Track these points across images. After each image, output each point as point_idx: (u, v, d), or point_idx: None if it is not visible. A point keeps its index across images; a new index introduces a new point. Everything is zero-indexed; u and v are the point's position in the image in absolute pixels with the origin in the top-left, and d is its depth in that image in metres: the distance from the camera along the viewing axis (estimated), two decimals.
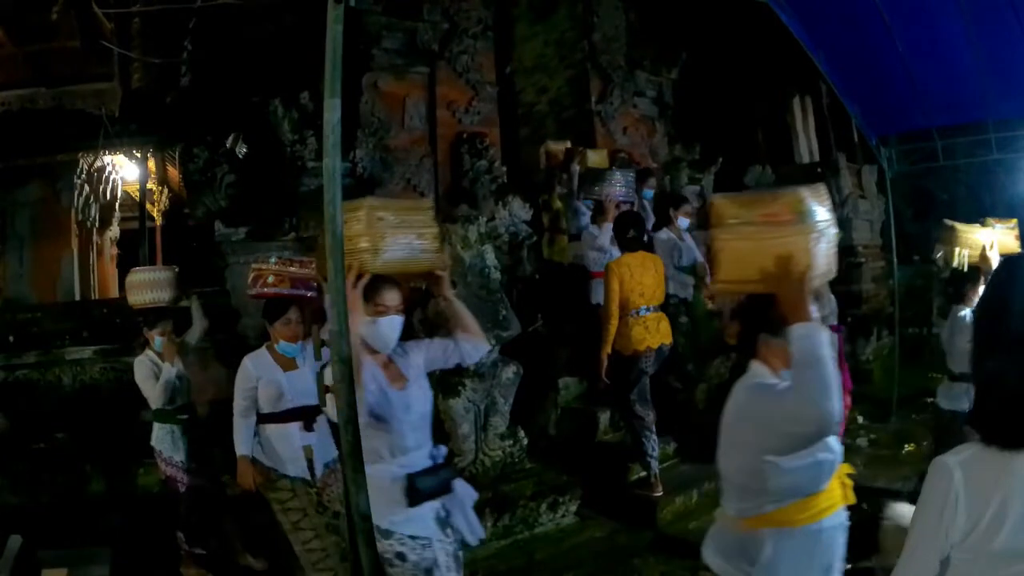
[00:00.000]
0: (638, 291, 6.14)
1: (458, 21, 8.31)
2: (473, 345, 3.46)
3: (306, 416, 4.64)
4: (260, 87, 7.46)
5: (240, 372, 4.65)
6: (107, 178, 12.08)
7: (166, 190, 13.42)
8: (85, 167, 11.13)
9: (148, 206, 12.66)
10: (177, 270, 6.12)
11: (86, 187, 11.38)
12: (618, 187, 7.57)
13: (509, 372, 6.22)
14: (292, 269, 4.55)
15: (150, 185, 12.43)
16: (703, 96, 11.53)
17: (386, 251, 3.02)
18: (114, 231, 13.29)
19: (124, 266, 13.91)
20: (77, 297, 10.75)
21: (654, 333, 6.18)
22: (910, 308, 11.04)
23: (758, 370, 2.61)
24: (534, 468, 6.34)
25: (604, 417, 7.19)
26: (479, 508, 5.54)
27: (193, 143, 7.44)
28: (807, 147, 13.53)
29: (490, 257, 6.34)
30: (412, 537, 3.11)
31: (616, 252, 6.75)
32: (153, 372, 5.51)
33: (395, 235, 3.06)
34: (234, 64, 7.89)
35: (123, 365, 7.23)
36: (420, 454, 3.21)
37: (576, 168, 8.08)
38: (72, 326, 7.41)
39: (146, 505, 6.40)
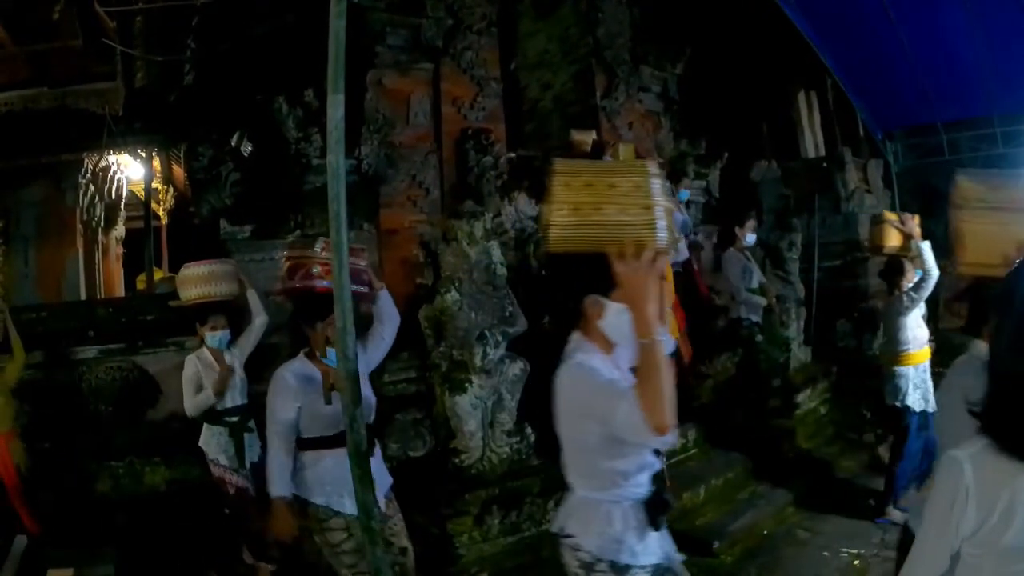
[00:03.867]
0: None
1: (462, 17, 8.29)
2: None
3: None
4: (264, 85, 7.45)
5: (277, 389, 3.84)
6: (112, 177, 12.10)
7: (171, 189, 13.44)
8: (90, 167, 11.15)
9: (153, 205, 12.66)
10: (234, 263, 5.92)
11: (91, 187, 11.40)
12: None
13: (516, 368, 6.21)
14: None
15: (155, 184, 12.44)
16: (708, 91, 11.48)
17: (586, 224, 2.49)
18: (119, 230, 13.30)
19: (129, 266, 13.97)
20: (83, 297, 10.75)
21: None
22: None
23: (979, 350, 2.71)
24: (541, 465, 6.32)
25: None
26: (486, 505, 5.58)
27: (197, 141, 7.44)
28: (813, 142, 13.45)
29: (496, 253, 6.34)
30: (656, 565, 2.67)
31: None
32: (196, 377, 5.37)
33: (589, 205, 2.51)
34: (238, 62, 7.88)
35: (129, 364, 7.24)
36: (651, 471, 2.74)
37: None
38: (78, 326, 7.40)
39: (153, 504, 6.41)
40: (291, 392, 3.79)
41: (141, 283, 13.32)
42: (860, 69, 8.19)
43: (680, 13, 10.62)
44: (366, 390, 3.79)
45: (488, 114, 8.48)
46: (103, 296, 11.70)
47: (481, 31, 8.47)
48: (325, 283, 3.75)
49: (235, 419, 5.41)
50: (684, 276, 7.61)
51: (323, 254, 3.85)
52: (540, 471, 6.21)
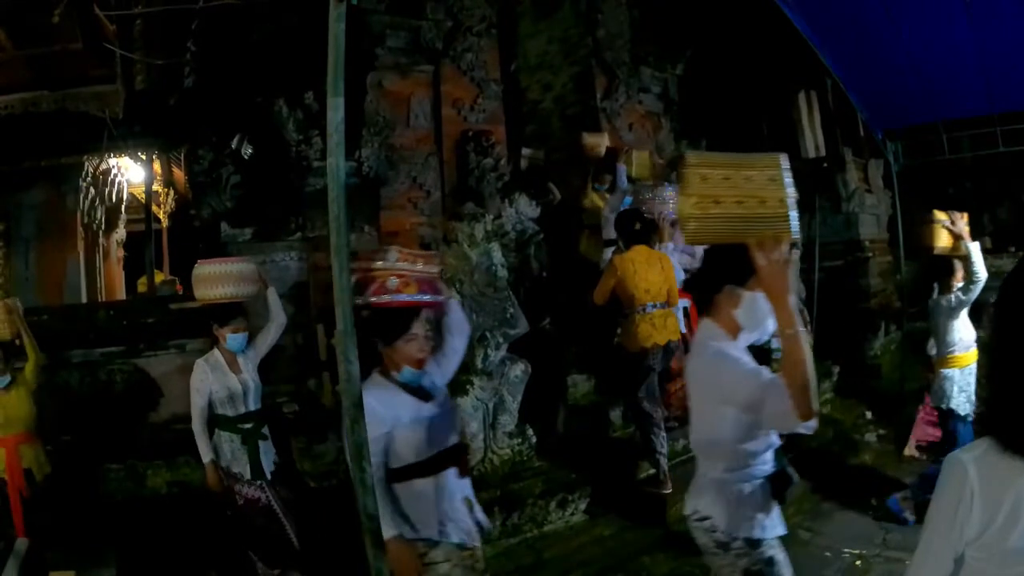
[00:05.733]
0: (643, 288, 6.13)
1: (462, 19, 8.30)
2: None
3: (459, 456, 3.55)
4: (264, 87, 7.46)
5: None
6: (112, 180, 12.09)
7: (172, 192, 13.46)
8: (90, 170, 11.14)
9: (154, 208, 12.67)
10: (254, 263, 5.58)
11: (91, 190, 11.39)
12: (671, 203, 6.96)
13: (517, 370, 6.22)
14: (419, 267, 3.57)
15: (156, 187, 12.45)
16: (708, 91, 11.49)
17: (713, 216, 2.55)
18: (120, 233, 13.30)
19: (130, 268, 13.97)
20: (83, 299, 10.75)
21: (661, 330, 6.17)
22: (917, 303, 11.01)
23: None
24: (543, 466, 6.33)
25: (615, 414, 7.16)
26: (487, 506, 5.57)
27: (198, 144, 7.45)
28: (813, 142, 13.43)
29: (497, 255, 6.34)
30: (777, 538, 2.86)
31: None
32: (205, 384, 5.06)
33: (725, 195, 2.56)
34: (238, 64, 7.88)
35: (130, 367, 7.24)
36: (775, 447, 2.88)
37: (623, 168, 7.99)
38: (79, 329, 7.41)
39: (154, 507, 6.41)
40: (379, 419, 3.22)
41: (142, 286, 13.32)
42: (860, 69, 8.17)
43: (680, 14, 10.62)
44: (448, 402, 3.62)
45: (488, 116, 8.49)
46: (104, 299, 11.69)
47: (481, 33, 8.48)
48: (403, 296, 3.43)
49: (248, 426, 5.16)
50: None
51: (399, 264, 3.50)
52: (541, 473, 6.22)
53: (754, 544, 2.75)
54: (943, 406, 6.23)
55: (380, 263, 3.48)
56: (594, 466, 6.50)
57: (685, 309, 6.96)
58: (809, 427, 2.43)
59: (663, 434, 6.19)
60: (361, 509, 2.76)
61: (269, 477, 5.16)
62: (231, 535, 5.38)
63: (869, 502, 6.42)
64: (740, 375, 2.58)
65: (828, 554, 5.69)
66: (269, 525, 5.10)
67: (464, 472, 3.52)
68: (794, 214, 2.49)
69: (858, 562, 5.51)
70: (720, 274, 2.78)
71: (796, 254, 2.59)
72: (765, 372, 2.56)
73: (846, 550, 5.71)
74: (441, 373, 3.66)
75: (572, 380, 7.49)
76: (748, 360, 2.64)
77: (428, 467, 3.35)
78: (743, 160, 2.66)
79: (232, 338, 5.16)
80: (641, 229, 6.36)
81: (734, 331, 2.77)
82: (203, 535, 5.63)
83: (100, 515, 6.20)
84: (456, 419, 3.64)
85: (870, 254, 11.76)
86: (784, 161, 2.60)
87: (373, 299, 3.41)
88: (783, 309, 2.41)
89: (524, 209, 7.68)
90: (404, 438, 3.33)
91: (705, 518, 2.83)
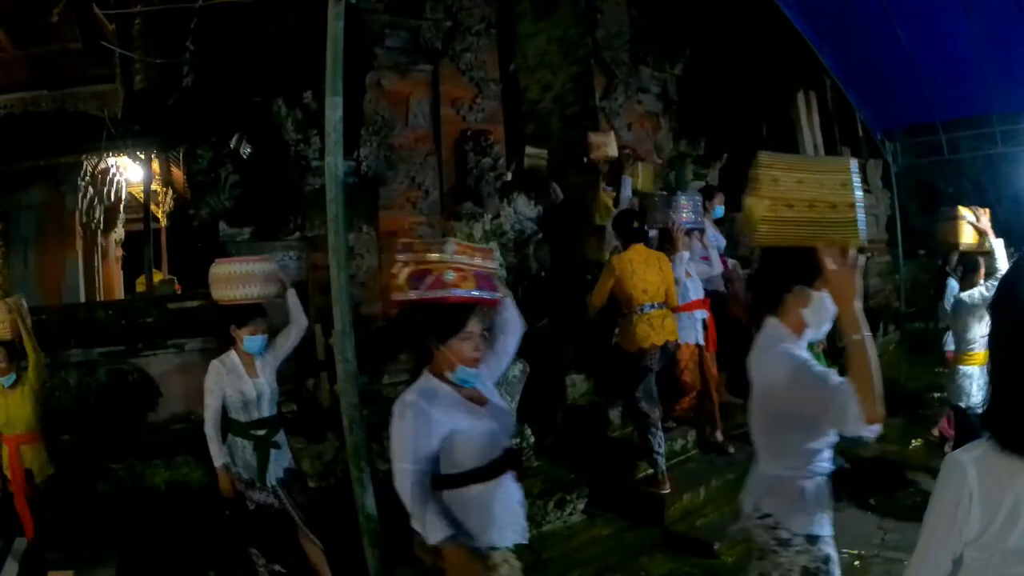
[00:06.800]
0: (641, 288, 6.12)
1: (461, 19, 8.29)
2: None
3: (516, 459, 3.40)
4: (263, 87, 7.45)
5: (412, 425, 3.03)
6: (111, 180, 12.11)
7: (170, 191, 13.45)
8: (89, 169, 11.15)
9: (153, 207, 12.67)
10: (275, 261, 5.27)
11: (90, 189, 11.41)
12: (684, 212, 6.92)
13: (516, 370, 6.22)
14: (477, 261, 3.31)
15: (154, 186, 12.45)
16: (707, 91, 11.49)
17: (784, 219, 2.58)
18: (119, 233, 13.32)
19: (129, 268, 13.98)
20: (82, 299, 10.76)
21: (659, 330, 6.16)
22: (916, 302, 11.02)
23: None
24: (541, 466, 6.33)
25: (614, 414, 7.16)
26: None
27: (197, 144, 7.44)
28: (812, 142, 13.47)
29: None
30: (831, 536, 2.86)
31: (688, 282, 6.74)
32: (219, 386, 4.89)
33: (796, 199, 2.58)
34: (237, 64, 7.87)
35: (129, 367, 7.24)
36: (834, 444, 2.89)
37: (628, 180, 7.97)
38: (77, 328, 7.40)
39: (153, 506, 6.41)
40: (432, 425, 3.00)
41: (140, 285, 13.34)
42: (859, 69, 8.19)
43: (679, 14, 10.62)
44: (503, 404, 3.40)
45: (487, 115, 8.48)
46: (102, 298, 11.71)
47: (480, 32, 8.47)
48: (460, 292, 3.15)
49: (261, 432, 4.95)
50: (719, 296, 7.57)
51: (457, 257, 3.20)
52: (540, 472, 6.22)
53: (813, 541, 2.77)
54: (962, 404, 6.16)
55: (436, 255, 3.20)
56: (592, 466, 6.50)
57: (703, 320, 6.95)
58: (874, 431, 2.43)
59: (661, 434, 6.18)
60: (359, 509, 2.76)
61: (275, 484, 4.96)
62: (234, 534, 5.33)
63: (867, 502, 6.42)
64: (810, 377, 2.60)
65: None
66: (281, 530, 4.96)
67: (521, 476, 3.31)
68: (862, 218, 2.53)
69: (856, 562, 5.51)
70: (790, 274, 2.81)
71: (863, 259, 2.59)
72: (833, 375, 2.56)
73: (844, 550, 5.67)
74: (490, 374, 3.45)
75: (571, 380, 7.49)
76: (815, 362, 2.67)
77: (488, 472, 3.12)
78: (815, 163, 2.72)
79: (250, 340, 4.93)
80: (639, 228, 6.35)
81: (800, 330, 2.81)
82: (202, 534, 5.63)
83: (99, 514, 6.19)
84: (512, 422, 3.45)
85: (869, 254, 11.77)
86: (854, 165, 2.63)
87: (425, 293, 3.15)
88: (850, 313, 2.43)
89: (522, 209, 7.68)
90: (463, 443, 3.07)
91: (767, 515, 2.84)
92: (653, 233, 6.93)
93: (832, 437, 2.80)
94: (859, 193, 2.56)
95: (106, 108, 9.00)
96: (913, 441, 7.80)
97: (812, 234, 2.53)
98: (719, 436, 7.07)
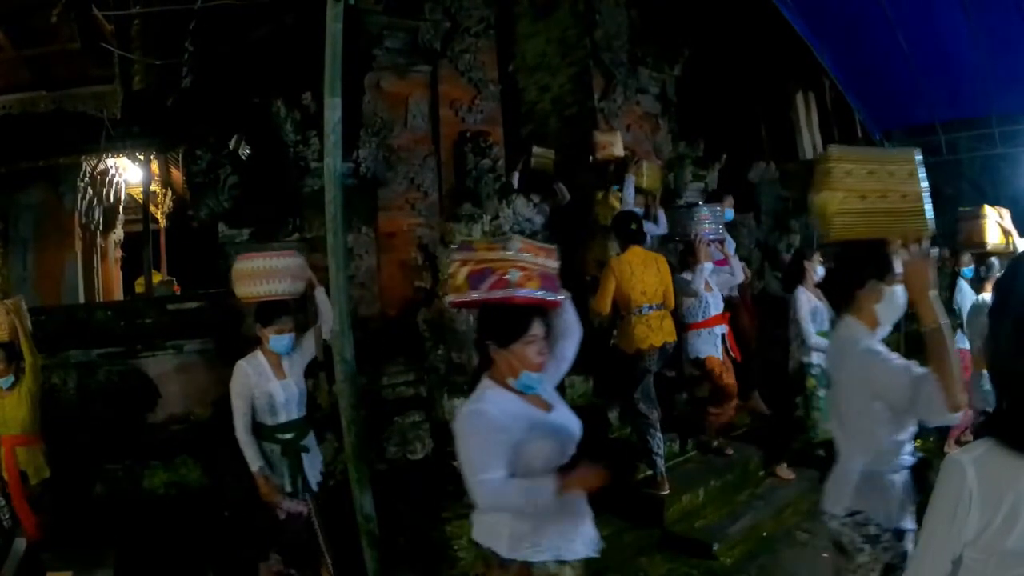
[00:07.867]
0: (640, 289, 6.12)
1: (460, 20, 8.28)
2: None
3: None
4: (262, 88, 7.45)
5: (484, 433, 2.83)
6: (110, 181, 12.11)
7: (169, 192, 13.46)
8: (88, 170, 11.16)
9: (152, 208, 12.68)
10: (302, 257, 4.86)
11: (89, 190, 11.41)
12: (707, 223, 6.91)
13: None
14: (541, 259, 3.09)
15: (153, 187, 12.46)
16: (706, 92, 11.50)
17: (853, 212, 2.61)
18: (118, 234, 13.32)
19: (128, 269, 13.99)
20: (81, 300, 10.75)
21: (657, 331, 6.17)
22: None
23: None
24: None
25: (613, 415, 7.16)
26: None
27: (196, 145, 7.43)
28: (811, 142, 13.49)
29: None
30: (912, 531, 2.80)
31: (708, 296, 6.75)
32: (247, 389, 4.68)
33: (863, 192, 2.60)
34: (236, 65, 7.87)
35: (128, 368, 7.23)
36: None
37: (631, 179, 7.95)
38: (76, 329, 7.39)
39: (151, 507, 6.40)
40: (503, 430, 2.83)
41: (139, 286, 13.36)
42: (858, 70, 8.19)
43: (678, 15, 10.62)
44: (568, 410, 3.26)
45: (486, 116, 8.47)
46: (101, 299, 11.71)
47: (479, 33, 8.46)
48: (525, 292, 2.92)
49: (289, 436, 4.78)
50: (735, 305, 7.57)
51: (522, 255, 2.99)
52: None
53: (901, 536, 2.78)
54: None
55: (500, 253, 3.00)
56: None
57: (723, 336, 6.93)
58: (956, 418, 2.53)
59: (660, 435, 6.18)
60: (358, 509, 2.76)
61: (316, 491, 4.83)
62: (242, 536, 5.26)
63: None
64: (893, 371, 2.65)
65: (826, 555, 5.65)
66: (305, 540, 4.80)
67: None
68: (929, 207, 2.58)
69: None
70: (864, 270, 2.84)
71: (936, 251, 2.61)
72: (915, 366, 2.62)
73: None
74: (551, 380, 3.27)
75: (569, 381, 7.47)
76: (896, 356, 2.71)
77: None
78: (882, 154, 2.76)
79: (276, 339, 4.71)
80: (637, 230, 6.36)
81: (874, 325, 2.86)
82: (201, 535, 5.63)
83: (97, 515, 6.19)
84: (578, 428, 3.24)
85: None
86: (919, 155, 2.67)
87: (487, 294, 2.96)
88: (926, 304, 2.48)
89: (522, 210, 7.65)
90: (529, 452, 2.91)
91: (856, 512, 2.83)
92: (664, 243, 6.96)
93: (914, 428, 2.84)
94: (925, 183, 2.59)
95: (105, 109, 9.01)
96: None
97: (885, 225, 2.60)
98: (716, 443, 7.09)
